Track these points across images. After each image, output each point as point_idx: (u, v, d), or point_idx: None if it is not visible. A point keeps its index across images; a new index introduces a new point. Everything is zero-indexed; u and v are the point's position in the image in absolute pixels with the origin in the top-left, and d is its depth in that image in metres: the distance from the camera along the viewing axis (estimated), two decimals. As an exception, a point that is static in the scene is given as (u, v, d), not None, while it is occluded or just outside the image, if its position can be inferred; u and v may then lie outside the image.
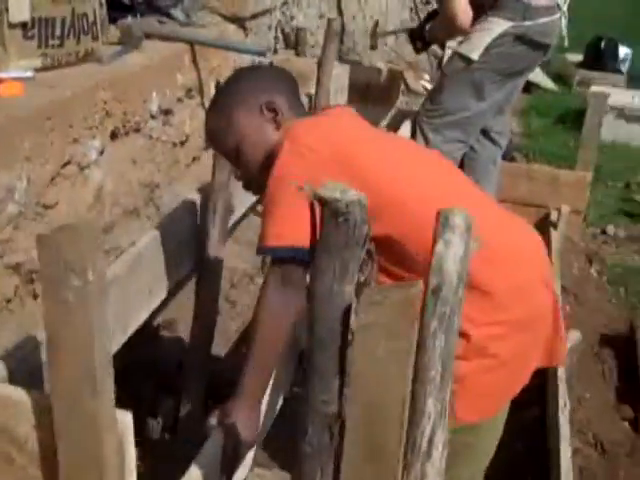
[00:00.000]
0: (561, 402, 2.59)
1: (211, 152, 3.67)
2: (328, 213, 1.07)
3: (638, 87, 8.22)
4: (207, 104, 3.52)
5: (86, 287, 1.18)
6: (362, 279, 1.13)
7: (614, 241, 4.60)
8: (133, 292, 1.86)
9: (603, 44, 9.00)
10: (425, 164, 1.90)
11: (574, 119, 7.15)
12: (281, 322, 1.71)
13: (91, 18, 2.76)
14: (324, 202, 1.09)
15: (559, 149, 6.25)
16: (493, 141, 4.05)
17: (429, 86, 5.32)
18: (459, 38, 3.78)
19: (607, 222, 4.84)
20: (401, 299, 1.06)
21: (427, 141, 3.82)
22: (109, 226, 2.73)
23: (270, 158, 1.82)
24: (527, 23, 3.48)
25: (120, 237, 2.84)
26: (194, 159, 3.40)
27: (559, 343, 1.89)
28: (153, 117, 2.96)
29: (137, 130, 2.84)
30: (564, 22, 3.69)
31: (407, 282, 1.12)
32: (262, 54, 3.13)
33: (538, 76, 8.18)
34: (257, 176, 1.86)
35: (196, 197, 2.22)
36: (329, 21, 3.36)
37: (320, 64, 3.33)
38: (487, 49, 3.55)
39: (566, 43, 3.92)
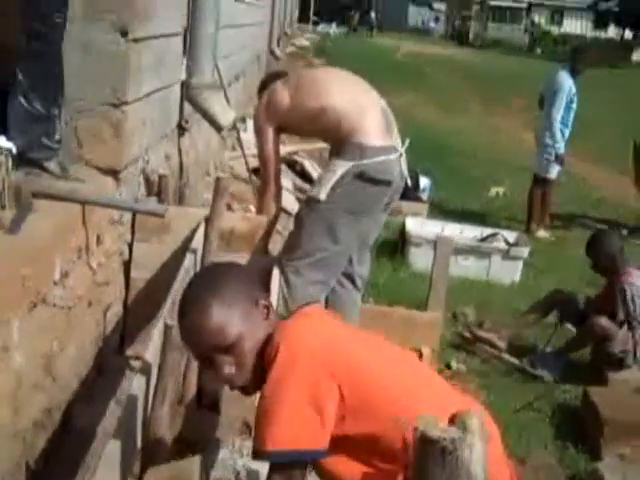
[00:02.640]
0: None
1: (90, 314, 3.56)
2: (434, 451, 1.12)
3: (437, 216, 8.87)
4: (92, 263, 3.46)
5: None
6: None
7: (458, 376, 4.83)
8: None
9: (406, 175, 9.65)
10: (401, 359, 1.99)
11: (392, 249, 7.54)
12: None
13: (0, 187, 2.67)
14: (427, 440, 1.14)
15: (387, 281, 6.54)
16: (354, 284, 4.21)
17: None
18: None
19: (448, 356, 5.09)
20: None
21: (288, 283, 3.88)
22: (20, 407, 2.58)
23: (261, 354, 1.83)
24: (365, 161, 3.75)
25: (25, 418, 2.67)
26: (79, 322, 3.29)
27: None
28: (55, 284, 2.85)
29: (44, 300, 2.73)
30: (404, 164, 3.97)
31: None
32: (161, 215, 3.11)
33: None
34: (251, 374, 1.84)
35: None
36: (217, 179, 3.40)
37: (208, 220, 3.33)
38: (332, 189, 3.78)
39: (409, 183, 4.23)
